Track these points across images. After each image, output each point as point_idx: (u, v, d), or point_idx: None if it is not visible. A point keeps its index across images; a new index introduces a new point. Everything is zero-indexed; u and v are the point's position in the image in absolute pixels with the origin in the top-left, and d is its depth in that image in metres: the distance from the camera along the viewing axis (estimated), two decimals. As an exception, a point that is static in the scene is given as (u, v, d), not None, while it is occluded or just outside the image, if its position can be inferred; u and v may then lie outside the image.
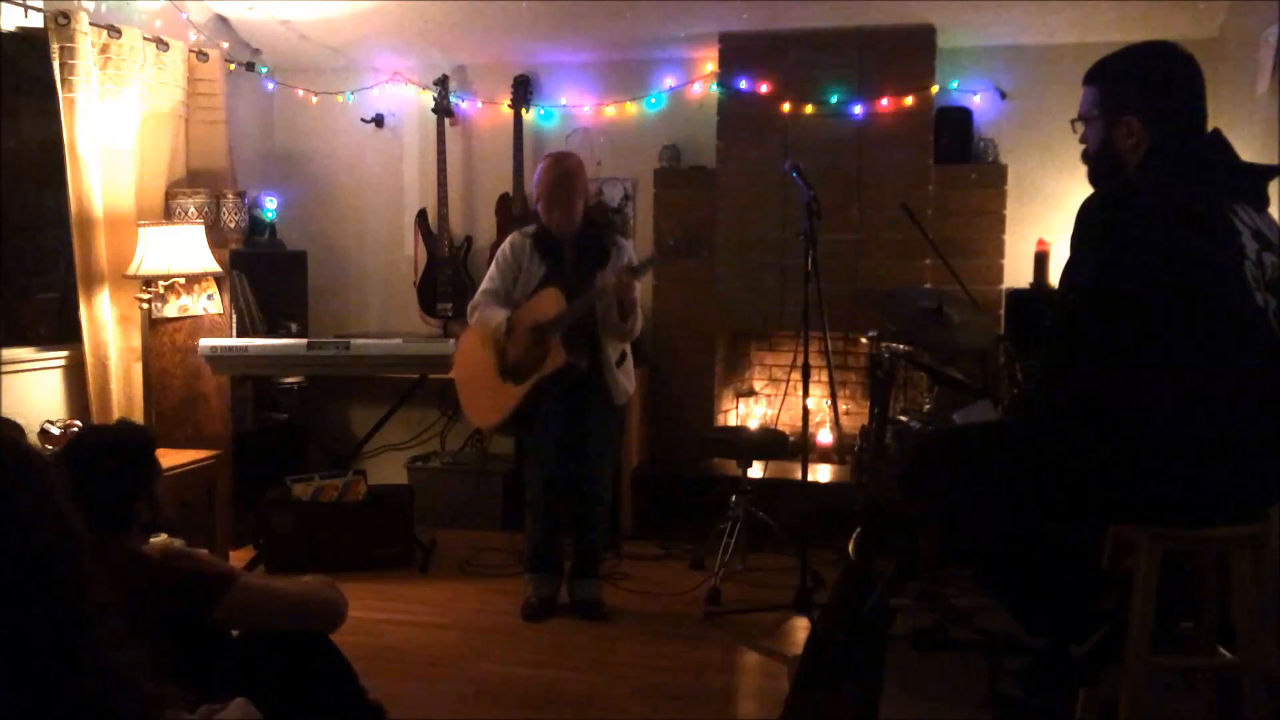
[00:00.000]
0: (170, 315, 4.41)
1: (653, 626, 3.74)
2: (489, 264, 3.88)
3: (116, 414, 4.09)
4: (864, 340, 4.22)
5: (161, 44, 4.41)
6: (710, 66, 5.03)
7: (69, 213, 4.01)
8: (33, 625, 1.09)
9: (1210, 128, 2.28)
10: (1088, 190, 2.30)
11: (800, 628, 3.68)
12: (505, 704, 3.12)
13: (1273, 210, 2.29)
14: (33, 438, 3.68)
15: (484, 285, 3.81)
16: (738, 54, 4.86)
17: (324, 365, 4.42)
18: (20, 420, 3.69)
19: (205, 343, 4.30)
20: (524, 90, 5.18)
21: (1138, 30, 4.02)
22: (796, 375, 3.92)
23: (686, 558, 4.45)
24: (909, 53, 4.68)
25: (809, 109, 4.78)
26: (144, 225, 4.09)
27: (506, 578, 4.22)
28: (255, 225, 5.08)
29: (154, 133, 4.43)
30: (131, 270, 4.02)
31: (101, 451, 2.14)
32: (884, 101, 4.70)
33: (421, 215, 5.32)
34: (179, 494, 3.93)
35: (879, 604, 3.53)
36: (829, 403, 4.94)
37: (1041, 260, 4.66)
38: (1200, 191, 2.18)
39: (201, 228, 4.26)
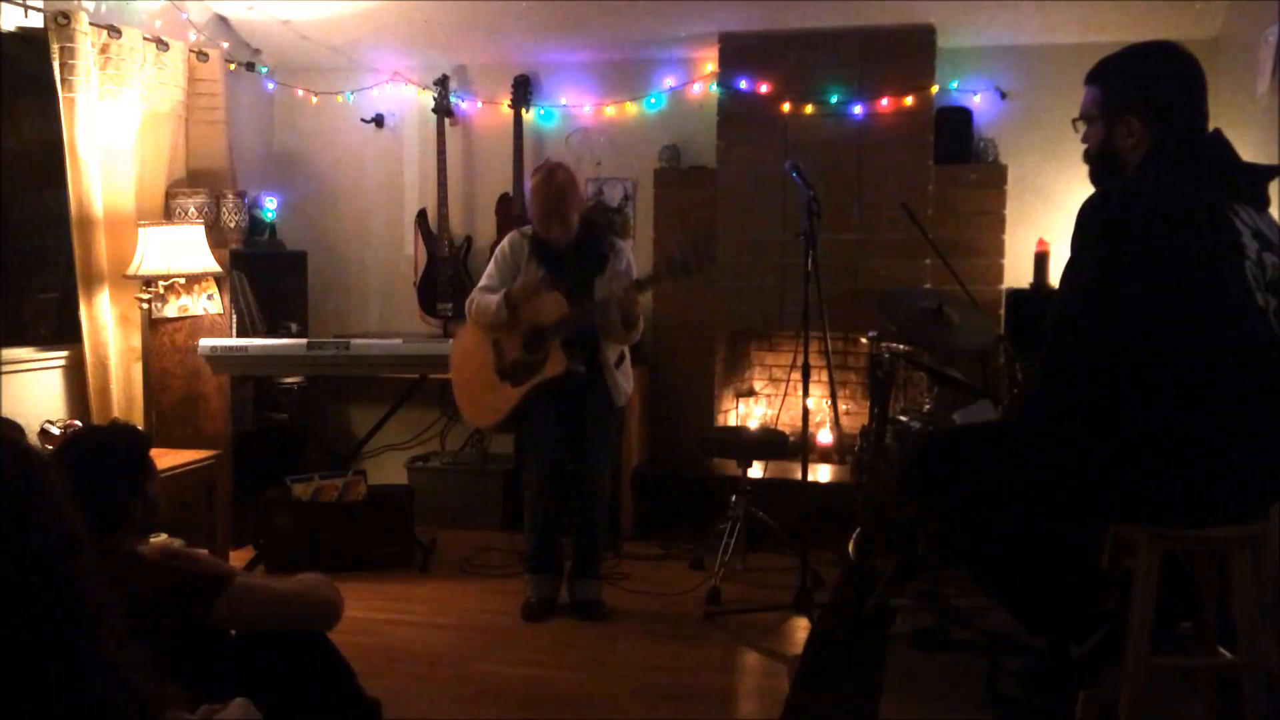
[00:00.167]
0: (170, 315, 4.41)
1: (653, 626, 3.74)
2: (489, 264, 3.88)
3: (117, 414, 4.09)
4: (864, 340, 4.22)
5: (161, 44, 4.41)
6: (710, 66, 5.03)
7: (69, 213, 4.01)
8: (33, 625, 1.09)
9: (1211, 128, 2.28)
10: (1088, 190, 2.30)
11: (800, 628, 3.68)
12: (505, 704, 3.12)
13: (1273, 210, 2.28)
14: (33, 438, 3.68)
15: (482, 283, 3.82)
16: (738, 54, 4.86)
17: (324, 365, 4.43)
18: (20, 420, 3.69)
19: (205, 343, 4.30)
20: (524, 90, 5.18)
21: (1138, 30, 4.01)
22: (796, 375, 3.92)
23: (686, 558, 4.45)
24: (909, 53, 4.68)
25: (809, 109, 4.78)
26: (144, 225, 4.09)
27: (506, 578, 4.22)
28: (255, 225, 5.08)
29: (154, 133, 4.43)
30: (131, 270, 4.02)
31: (95, 452, 2.14)
32: (884, 101, 4.70)
33: (421, 215, 5.32)
34: (179, 494, 3.93)
35: (879, 604, 3.53)
36: (829, 403, 4.94)
37: (1041, 260, 4.66)
38: (1200, 191, 2.18)
39: (201, 228, 4.26)
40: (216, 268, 4.29)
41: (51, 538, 1.14)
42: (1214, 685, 2.51)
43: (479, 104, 5.39)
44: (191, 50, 4.65)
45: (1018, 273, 4.78)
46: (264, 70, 5.34)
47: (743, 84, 4.85)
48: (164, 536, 3.58)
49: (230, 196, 4.74)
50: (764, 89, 4.82)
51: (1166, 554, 2.19)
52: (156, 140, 4.44)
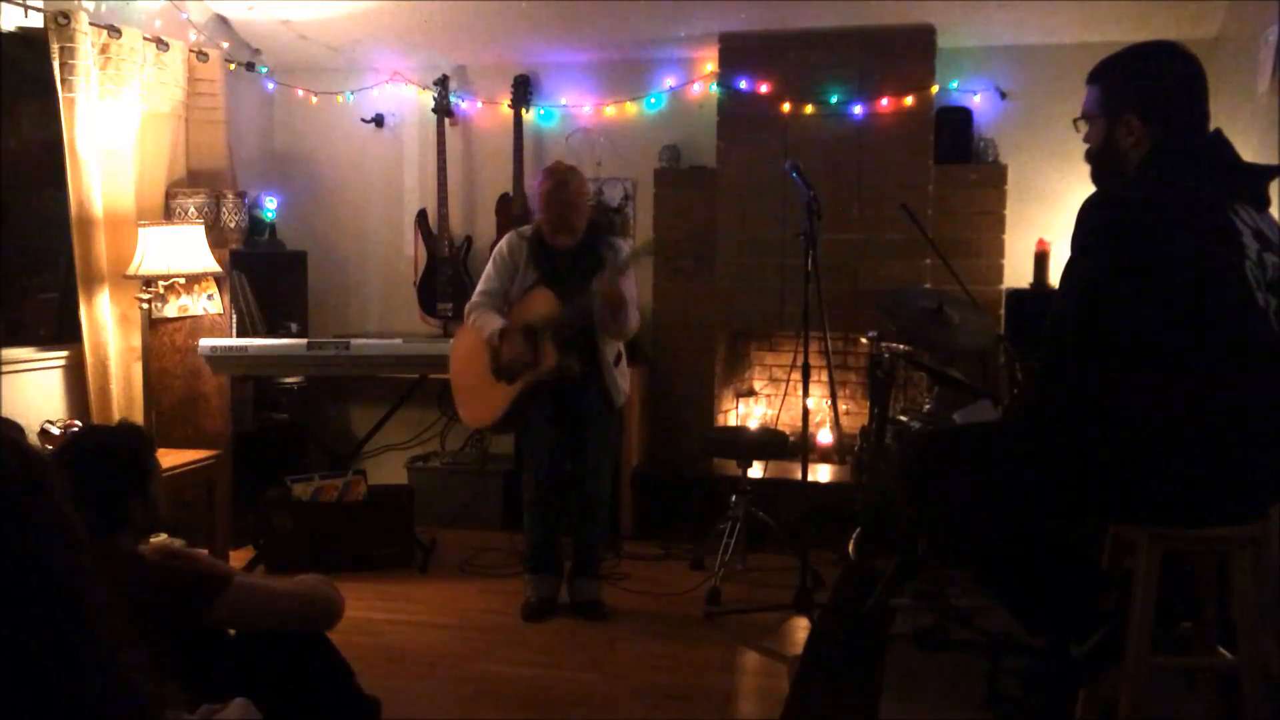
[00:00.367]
0: (170, 315, 4.41)
1: (653, 626, 3.74)
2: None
3: (117, 414, 4.09)
4: (864, 340, 4.22)
5: (161, 44, 4.41)
6: (710, 66, 5.03)
7: (69, 213, 4.01)
8: (33, 625, 1.09)
9: (1212, 128, 2.28)
10: (1088, 190, 2.30)
11: (800, 628, 3.68)
12: (505, 704, 3.12)
13: (1273, 210, 2.28)
14: (33, 438, 3.68)
15: (481, 286, 3.81)
16: (738, 54, 4.86)
17: (324, 365, 4.43)
18: (20, 420, 3.69)
19: (205, 343, 4.31)
20: (524, 90, 5.18)
21: (1138, 30, 4.02)
22: (796, 375, 3.92)
23: (686, 558, 4.45)
24: (909, 53, 4.68)
25: (809, 109, 4.78)
26: (144, 225, 4.09)
27: (506, 578, 4.22)
28: (255, 225, 5.08)
29: (154, 133, 4.43)
30: (131, 270, 4.02)
31: (96, 452, 2.14)
32: (884, 101, 4.70)
33: (421, 215, 5.32)
34: (179, 494, 3.93)
35: (879, 604, 3.53)
36: (829, 403, 4.94)
37: (1041, 260, 4.66)
38: (1201, 191, 2.18)
39: (201, 228, 4.26)
40: (216, 268, 4.29)
41: (51, 538, 1.13)
42: (1214, 685, 2.51)
43: (479, 104, 5.39)
44: (191, 50, 4.65)
45: (1018, 273, 4.77)
46: (264, 70, 5.34)
47: (743, 84, 4.85)
48: (164, 536, 3.57)
49: (230, 196, 4.74)
50: (764, 89, 4.82)
51: (1166, 554, 2.19)
52: (156, 140, 4.44)
